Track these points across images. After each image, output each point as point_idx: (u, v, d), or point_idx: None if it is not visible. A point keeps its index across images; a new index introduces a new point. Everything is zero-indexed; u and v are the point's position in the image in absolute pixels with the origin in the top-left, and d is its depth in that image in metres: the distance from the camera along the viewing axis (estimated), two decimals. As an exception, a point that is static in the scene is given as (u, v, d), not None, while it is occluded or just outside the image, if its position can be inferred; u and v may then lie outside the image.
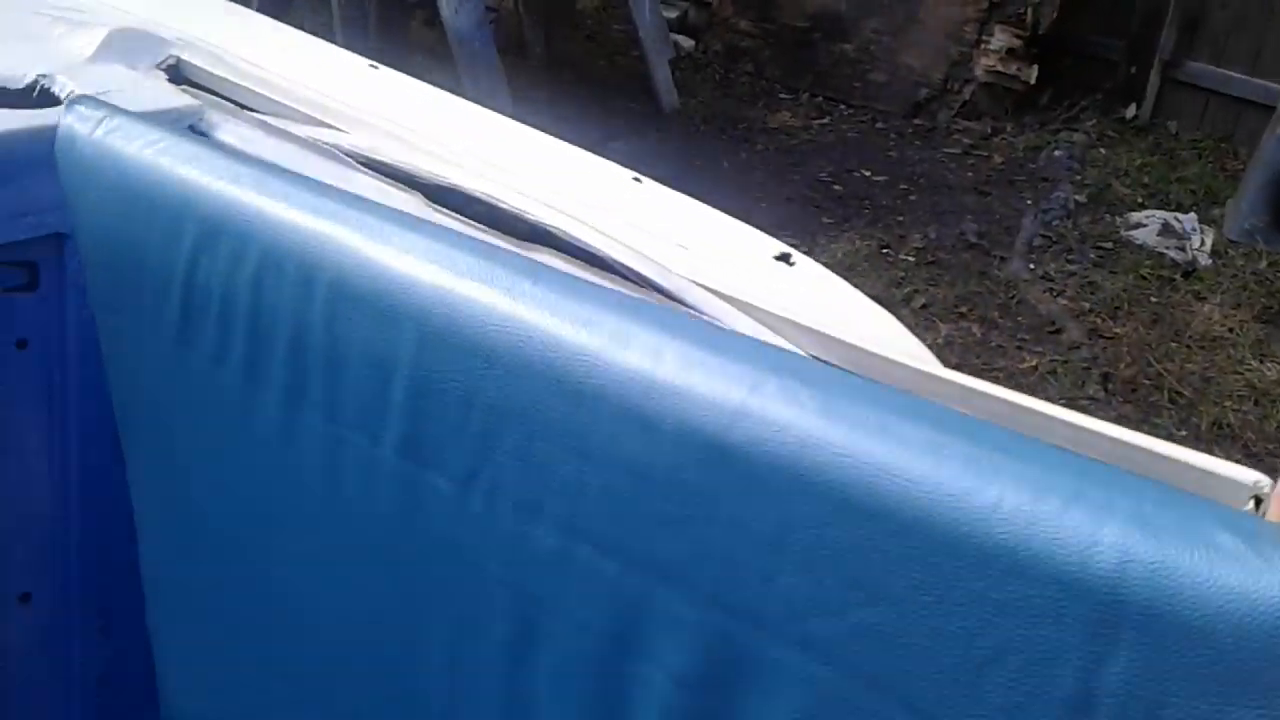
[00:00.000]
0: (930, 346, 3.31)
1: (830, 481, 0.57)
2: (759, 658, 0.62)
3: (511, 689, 0.72)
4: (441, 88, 1.21)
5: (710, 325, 0.71)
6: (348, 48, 1.28)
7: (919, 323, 3.46)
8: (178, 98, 1.02)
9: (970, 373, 2.92)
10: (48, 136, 0.88)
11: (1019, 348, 3.38)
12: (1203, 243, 3.95)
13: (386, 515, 0.75)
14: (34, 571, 1.07)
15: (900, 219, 4.06)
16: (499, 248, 0.76)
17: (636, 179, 1.09)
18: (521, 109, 3.93)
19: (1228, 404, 3.14)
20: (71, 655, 1.10)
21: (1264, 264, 3.82)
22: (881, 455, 0.56)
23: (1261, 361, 3.34)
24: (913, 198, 4.22)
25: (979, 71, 4.70)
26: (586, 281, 0.73)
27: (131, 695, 1.15)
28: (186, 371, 0.83)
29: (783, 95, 5.00)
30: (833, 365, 0.72)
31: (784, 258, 1.01)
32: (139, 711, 1.13)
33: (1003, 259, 3.83)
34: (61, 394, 1.03)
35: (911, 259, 3.81)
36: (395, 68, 1.25)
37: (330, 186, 0.81)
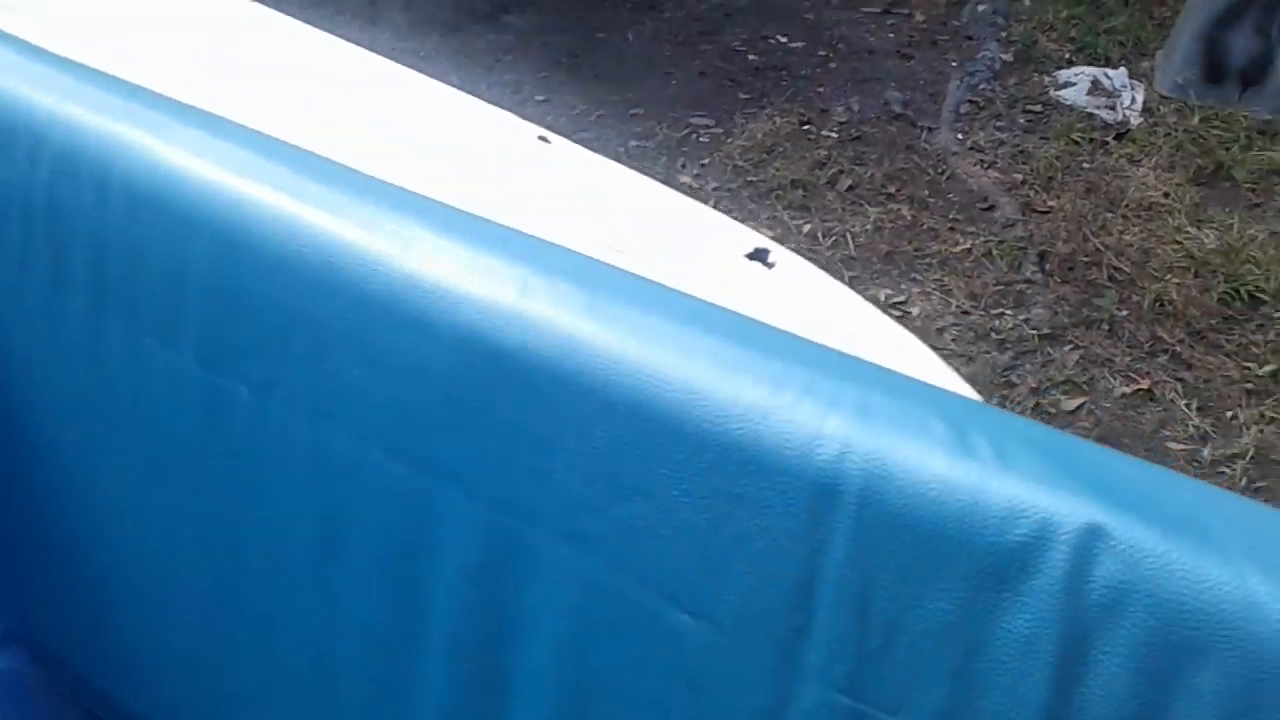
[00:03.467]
0: (860, 233, 3.02)
1: (593, 382, 0.60)
2: (535, 551, 0.65)
3: (321, 588, 0.76)
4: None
5: (489, 222, 0.69)
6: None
7: (845, 207, 3.24)
8: None
9: (903, 260, 2.65)
10: None
11: (951, 229, 3.20)
12: (1133, 100, 3.77)
13: (192, 423, 0.76)
14: None
15: (821, 90, 3.79)
16: (289, 145, 0.74)
17: (543, 138, 0.85)
18: (402, -15, 3.53)
19: (1169, 278, 3.01)
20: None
21: (1197, 120, 3.65)
22: (636, 355, 0.59)
23: (1199, 228, 3.20)
24: (833, 65, 3.94)
25: (896, -80, 4.37)
26: (374, 179, 0.71)
27: None
28: None
29: (688, -46, 4.62)
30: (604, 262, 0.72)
31: (760, 255, 0.78)
32: None
33: (930, 129, 3.60)
34: None
35: (834, 135, 3.56)
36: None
37: (123, 82, 0.78)
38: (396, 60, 1.10)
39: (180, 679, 0.89)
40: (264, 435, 0.73)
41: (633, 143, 3.48)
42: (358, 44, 1.11)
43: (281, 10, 1.12)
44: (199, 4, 1.11)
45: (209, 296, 0.72)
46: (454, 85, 1.10)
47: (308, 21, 1.07)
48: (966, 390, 0.72)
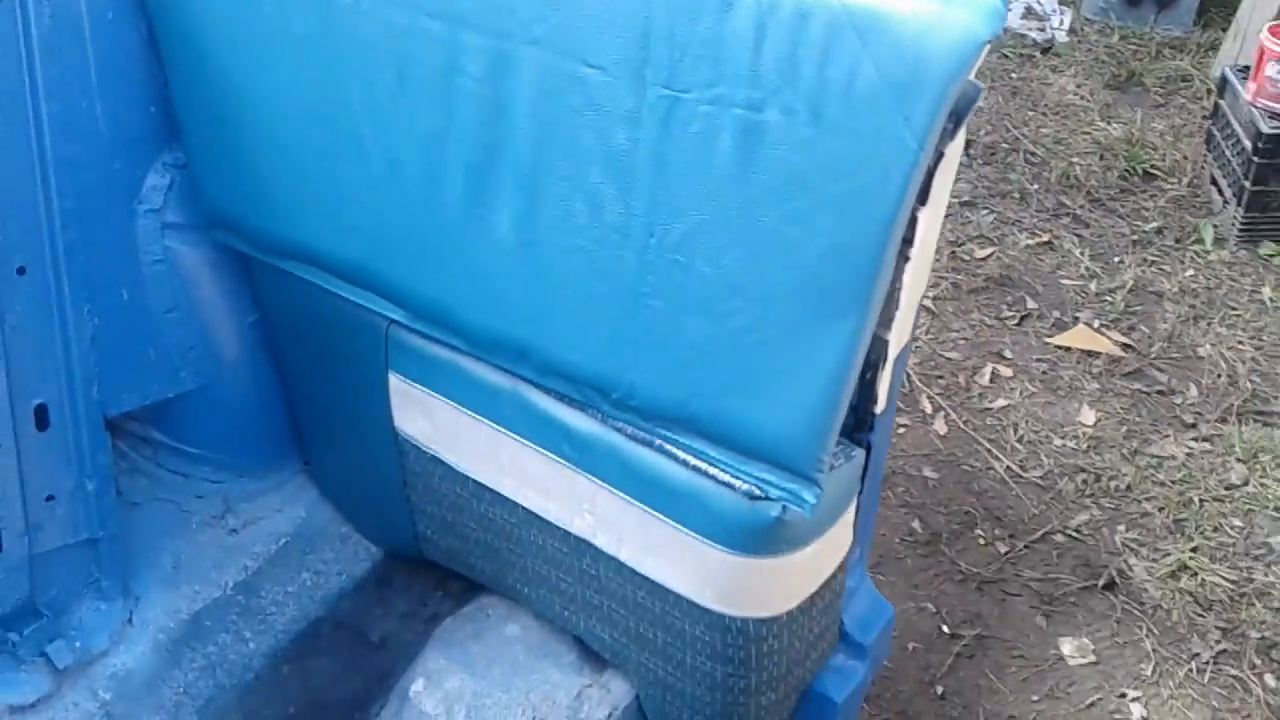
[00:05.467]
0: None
1: None
2: (511, 55, 1.09)
3: (396, 111, 1.20)
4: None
5: None
6: None
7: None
8: None
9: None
10: None
11: (891, 123, 3.65)
12: (1061, 22, 4.23)
13: (315, 20, 1.20)
14: (27, 247, 1.29)
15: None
16: None
17: None
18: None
19: (1075, 159, 3.47)
20: (66, 321, 1.33)
21: (1116, 38, 4.12)
22: None
23: (1109, 123, 3.66)
24: None
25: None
26: None
27: (119, 349, 1.40)
28: None
29: None
30: None
31: None
32: (126, 361, 1.39)
33: (877, 47, 4.06)
34: (32, 84, 1.24)
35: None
36: None
37: None
38: None
39: (310, 204, 1.33)
40: (359, 20, 1.17)
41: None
42: None
43: None
44: None
45: None
46: None
47: None
48: None
